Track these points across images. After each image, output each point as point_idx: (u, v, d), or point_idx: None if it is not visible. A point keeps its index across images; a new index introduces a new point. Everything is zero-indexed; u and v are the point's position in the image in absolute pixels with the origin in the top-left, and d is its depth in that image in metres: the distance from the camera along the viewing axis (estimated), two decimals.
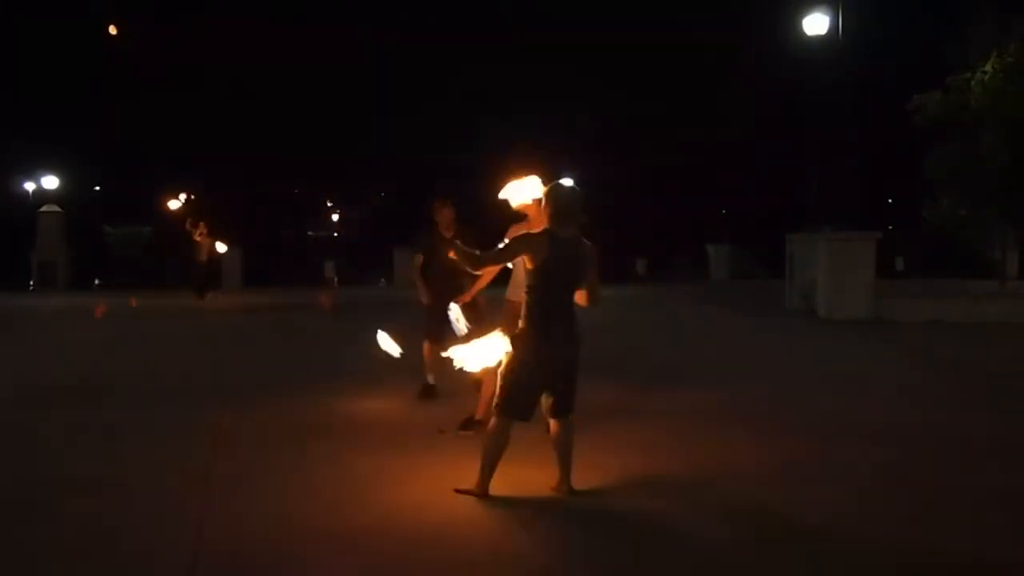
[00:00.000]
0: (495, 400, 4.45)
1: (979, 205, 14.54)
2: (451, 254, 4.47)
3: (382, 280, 24.01)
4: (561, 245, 4.31)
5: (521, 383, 4.33)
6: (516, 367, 4.35)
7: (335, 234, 53.87)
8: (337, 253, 28.90)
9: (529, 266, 4.35)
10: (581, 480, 4.56)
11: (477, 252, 4.50)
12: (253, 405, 6.87)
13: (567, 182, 4.57)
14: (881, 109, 23.77)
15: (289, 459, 5.24)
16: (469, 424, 5.77)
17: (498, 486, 4.40)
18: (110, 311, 15.01)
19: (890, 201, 38.02)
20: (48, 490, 4.65)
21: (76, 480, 4.81)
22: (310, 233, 52.07)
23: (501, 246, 4.55)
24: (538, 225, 4.68)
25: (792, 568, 3.63)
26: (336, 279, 24.69)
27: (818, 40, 17.02)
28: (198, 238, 17.76)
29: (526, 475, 4.66)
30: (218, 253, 18.71)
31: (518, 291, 5.25)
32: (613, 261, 25.83)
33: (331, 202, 57.94)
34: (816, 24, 16.86)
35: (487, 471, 4.38)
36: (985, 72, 13.67)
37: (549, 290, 4.36)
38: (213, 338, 11.92)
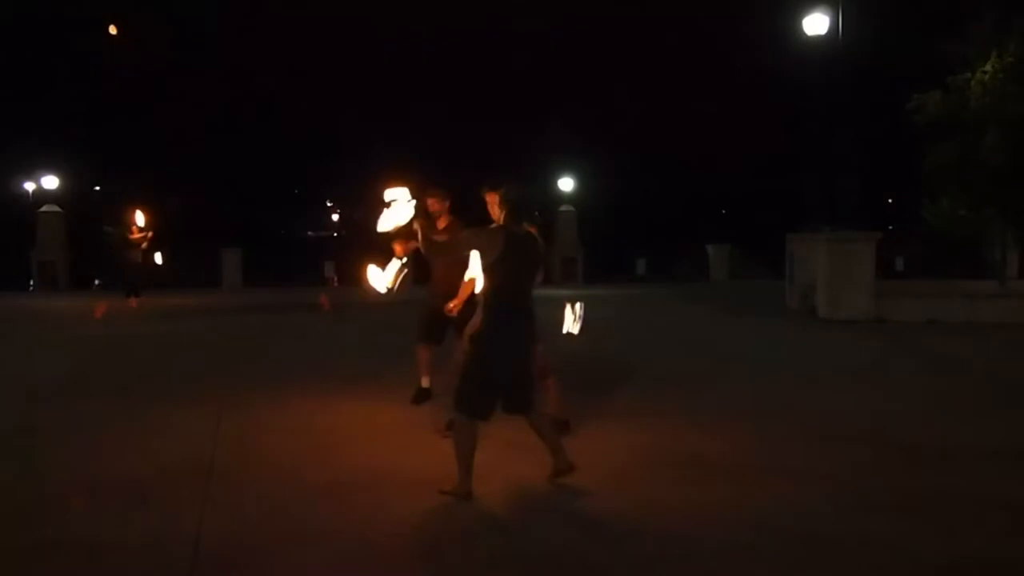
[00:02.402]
0: (456, 398, 4.44)
1: (979, 205, 14.52)
2: (415, 227, 4.52)
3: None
4: (515, 242, 4.32)
5: (477, 381, 4.33)
6: (473, 366, 4.35)
7: (335, 234, 53.94)
8: (337, 253, 28.84)
9: (483, 262, 4.34)
10: (579, 479, 4.58)
11: (437, 239, 4.59)
12: (252, 404, 6.88)
13: (526, 180, 4.62)
14: (881, 109, 23.76)
15: (288, 458, 5.25)
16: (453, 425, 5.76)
17: (498, 485, 4.41)
18: (110, 311, 15.00)
19: (890, 201, 38.07)
20: (48, 489, 4.65)
21: (76, 479, 4.82)
22: (310, 233, 52.16)
23: (454, 239, 4.59)
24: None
25: (793, 568, 3.63)
26: (336, 279, 24.66)
27: (818, 40, 17.01)
28: (136, 236, 16.76)
29: (523, 474, 4.67)
30: (153, 258, 17.70)
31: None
32: (613, 261, 25.90)
33: (331, 202, 57.97)
34: (816, 24, 16.84)
35: (465, 470, 4.37)
36: (985, 72, 13.66)
37: (504, 287, 4.35)
38: (213, 337, 11.92)
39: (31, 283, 22.48)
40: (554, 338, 5.38)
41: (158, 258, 17.58)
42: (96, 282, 23.95)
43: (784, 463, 5.15)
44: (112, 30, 40.09)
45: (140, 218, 17.01)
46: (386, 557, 3.71)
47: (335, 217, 60.79)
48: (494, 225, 4.44)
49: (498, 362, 4.34)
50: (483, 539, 3.91)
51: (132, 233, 16.87)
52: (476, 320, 4.43)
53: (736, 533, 3.97)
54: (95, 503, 4.40)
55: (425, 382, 6.75)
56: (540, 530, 4.00)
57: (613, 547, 3.82)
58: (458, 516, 4.18)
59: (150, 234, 17.05)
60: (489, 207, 5.43)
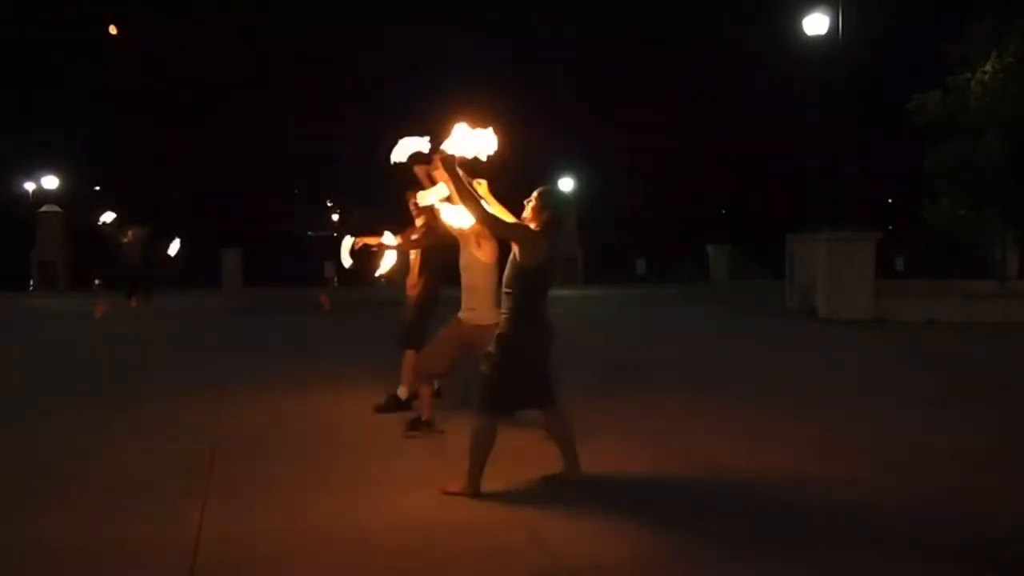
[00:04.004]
0: (480, 398, 4.44)
1: (979, 205, 14.54)
2: (451, 177, 4.37)
3: (383, 280, 23.99)
4: (556, 247, 4.41)
5: (510, 381, 4.34)
6: (506, 367, 4.34)
7: (335, 234, 53.93)
8: (337, 253, 28.84)
9: (527, 263, 4.31)
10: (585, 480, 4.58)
11: (486, 204, 4.46)
12: (252, 404, 6.88)
13: (563, 186, 4.55)
14: (881, 109, 23.77)
15: (287, 458, 5.25)
16: (416, 425, 5.75)
17: (498, 486, 4.41)
18: (109, 312, 15.00)
19: (890, 201, 38.07)
20: (48, 489, 4.65)
21: (76, 479, 4.82)
22: (310, 233, 52.16)
23: (514, 220, 4.45)
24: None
25: (788, 571, 3.62)
26: (336, 279, 24.65)
27: (818, 40, 17.02)
28: (125, 240, 16.68)
29: (519, 472, 4.68)
30: (156, 256, 17.06)
31: (490, 312, 5.11)
32: (613, 261, 25.90)
33: (331, 202, 57.95)
34: (816, 24, 16.87)
35: (476, 470, 4.39)
36: (985, 72, 13.67)
37: (540, 290, 4.39)
38: (213, 337, 11.93)
39: (31, 283, 22.50)
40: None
41: (173, 248, 17.12)
42: (96, 282, 23.97)
43: (785, 464, 5.15)
44: (112, 30, 40.09)
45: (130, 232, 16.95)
46: (386, 557, 3.71)
47: (335, 217, 60.77)
48: (541, 228, 4.35)
49: (529, 362, 4.37)
50: (484, 540, 3.90)
51: (126, 239, 16.85)
52: (503, 322, 4.40)
53: (743, 536, 3.96)
54: (95, 503, 4.40)
55: (402, 392, 6.52)
56: (542, 530, 4.00)
57: (617, 548, 3.81)
58: (459, 516, 4.18)
59: (130, 232, 16.91)
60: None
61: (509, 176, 5.17)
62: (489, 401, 4.37)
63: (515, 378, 4.36)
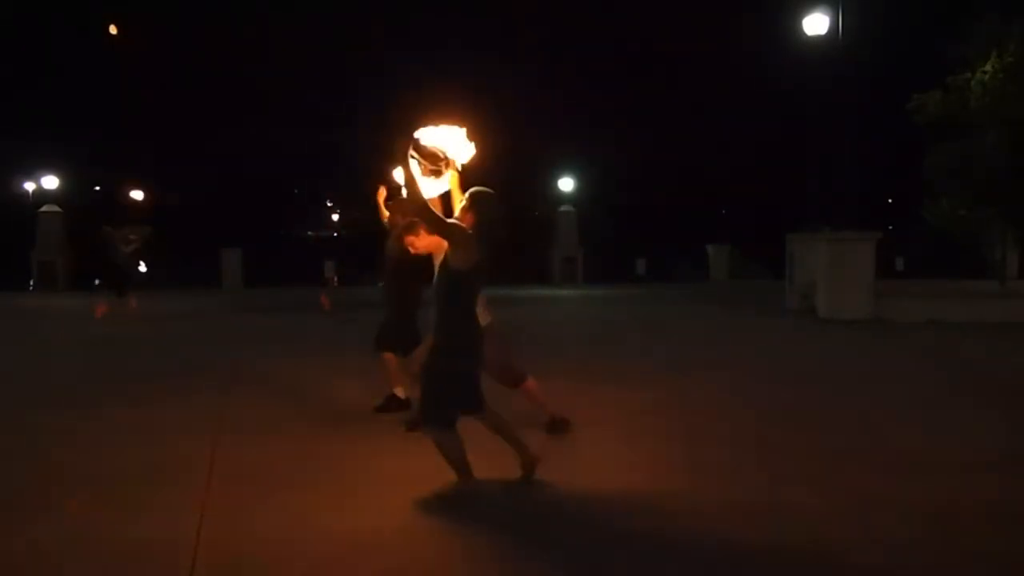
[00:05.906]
0: (422, 412, 4.43)
1: (979, 205, 14.54)
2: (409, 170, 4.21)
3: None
4: (484, 253, 4.31)
5: (448, 391, 4.31)
6: (442, 376, 4.31)
7: (335, 234, 53.96)
8: (337, 253, 28.85)
9: (458, 266, 4.24)
10: (580, 476, 4.56)
11: (427, 203, 4.24)
12: (252, 404, 6.88)
13: (487, 190, 4.42)
14: (881, 109, 23.79)
15: (288, 458, 5.25)
16: (416, 425, 5.71)
17: (494, 485, 4.41)
18: (110, 312, 15.00)
19: (890, 201, 38.09)
20: (49, 488, 4.65)
21: (76, 478, 4.82)
22: (310, 233, 52.19)
23: (451, 220, 4.31)
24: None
25: (778, 573, 3.61)
26: (336, 279, 24.67)
27: (818, 40, 17.04)
28: (129, 241, 16.52)
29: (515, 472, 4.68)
30: (130, 254, 16.95)
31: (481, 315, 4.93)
32: (613, 261, 25.93)
33: (331, 202, 57.96)
34: (816, 24, 16.88)
35: (462, 471, 4.47)
36: (985, 72, 13.68)
37: (471, 295, 4.35)
38: (213, 337, 11.92)
39: (31, 283, 22.51)
40: (525, 339, 5.37)
41: (142, 266, 17.16)
42: (96, 282, 23.98)
43: (784, 465, 5.14)
44: (112, 30, 40.10)
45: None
46: (389, 556, 3.71)
47: (335, 217, 60.80)
48: (471, 230, 4.25)
49: (463, 368, 4.33)
50: (482, 537, 3.90)
51: (127, 243, 16.79)
52: (432, 334, 4.37)
53: (737, 535, 3.96)
54: (95, 502, 4.40)
55: (400, 392, 6.49)
56: (541, 528, 4.00)
57: (613, 544, 3.81)
58: (457, 515, 4.18)
59: (134, 239, 16.88)
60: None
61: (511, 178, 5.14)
62: (432, 415, 4.35)
63: (452, 387, 4.31)
